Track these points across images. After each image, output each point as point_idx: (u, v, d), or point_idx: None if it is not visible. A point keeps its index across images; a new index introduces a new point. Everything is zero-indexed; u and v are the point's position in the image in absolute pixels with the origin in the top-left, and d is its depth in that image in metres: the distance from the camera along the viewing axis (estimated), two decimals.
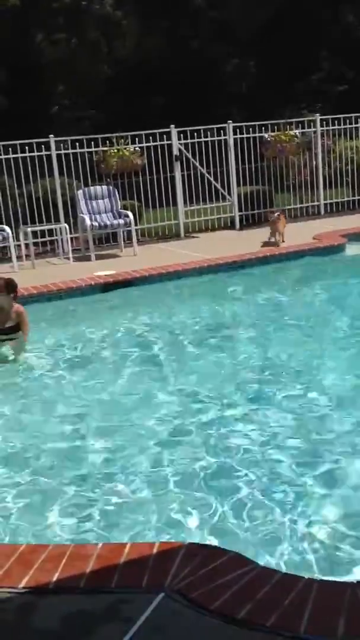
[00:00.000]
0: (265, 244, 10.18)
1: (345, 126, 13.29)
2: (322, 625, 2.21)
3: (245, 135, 12.43)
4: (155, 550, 2.71)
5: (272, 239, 10.20)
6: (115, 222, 10.81)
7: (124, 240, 11.07)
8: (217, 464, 3.82)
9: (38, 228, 10.96)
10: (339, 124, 13.25)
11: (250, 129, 12.45)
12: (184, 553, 2.66)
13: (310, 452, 3.91)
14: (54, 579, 2.58)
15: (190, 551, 2.68)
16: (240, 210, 12.61)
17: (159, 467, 3.86)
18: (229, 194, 12.45)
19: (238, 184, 12.53)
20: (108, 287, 8.33)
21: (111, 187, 11.25)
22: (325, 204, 13.37)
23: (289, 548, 3.02)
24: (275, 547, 3.02)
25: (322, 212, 13.28)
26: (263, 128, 12.57)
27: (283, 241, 10.10)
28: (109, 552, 2.76)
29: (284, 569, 2.76)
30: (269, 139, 12.56)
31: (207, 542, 3.05)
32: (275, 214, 10.29)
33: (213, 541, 3.08)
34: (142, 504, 3.49)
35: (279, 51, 20.39)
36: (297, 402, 4.64)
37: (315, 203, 13.34)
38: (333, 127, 13.26)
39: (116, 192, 11.19)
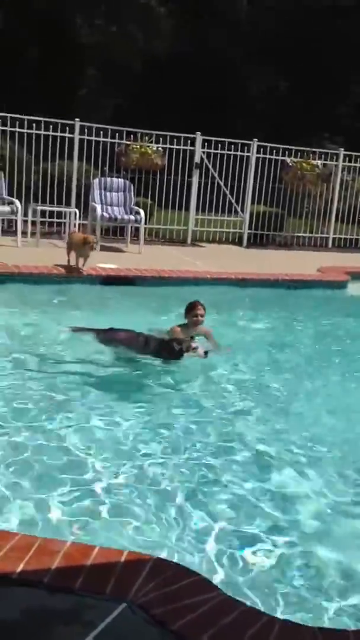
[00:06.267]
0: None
1: None
2: None
3: (267, 156, 12.45)
4: (122, 559, 2.71)
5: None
6: (126, 217, 10.79)
7: (130, 236, 11.06)
8: None
9: (48, 208, 10.93)
10: None
11: (274, 151, 12.48)
12: (151, 567, 2.66)
13: None
14: (19, 569, 2.57)
15: (158, 566, 2.68)
16: (250, 228, 12.65)
17: None
18: (242, 210, 12.48)
19: (252, 202, 12.57)
20: (109, 281, 8.30)
21: (127, 182, 11.23)
22: (334, 238, 13.44)
23: None
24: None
25: (330, 245, 13.35)
26: (287, 152, 12.62)
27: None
28: (76, 551, 2.76)
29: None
30: (290, 164, 12.62)
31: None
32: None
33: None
34: None
35: (310, 75, 20.63)
36: None
37: (325, 235, 13.41)
38: (355, 164, 13.33)
39: (132, 188, 11.17)
